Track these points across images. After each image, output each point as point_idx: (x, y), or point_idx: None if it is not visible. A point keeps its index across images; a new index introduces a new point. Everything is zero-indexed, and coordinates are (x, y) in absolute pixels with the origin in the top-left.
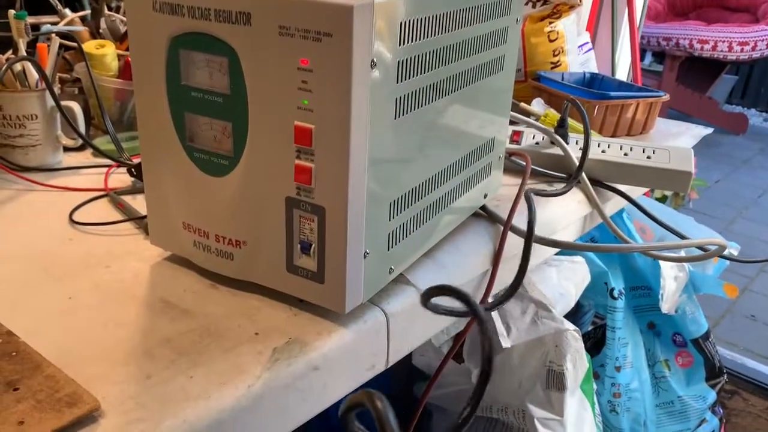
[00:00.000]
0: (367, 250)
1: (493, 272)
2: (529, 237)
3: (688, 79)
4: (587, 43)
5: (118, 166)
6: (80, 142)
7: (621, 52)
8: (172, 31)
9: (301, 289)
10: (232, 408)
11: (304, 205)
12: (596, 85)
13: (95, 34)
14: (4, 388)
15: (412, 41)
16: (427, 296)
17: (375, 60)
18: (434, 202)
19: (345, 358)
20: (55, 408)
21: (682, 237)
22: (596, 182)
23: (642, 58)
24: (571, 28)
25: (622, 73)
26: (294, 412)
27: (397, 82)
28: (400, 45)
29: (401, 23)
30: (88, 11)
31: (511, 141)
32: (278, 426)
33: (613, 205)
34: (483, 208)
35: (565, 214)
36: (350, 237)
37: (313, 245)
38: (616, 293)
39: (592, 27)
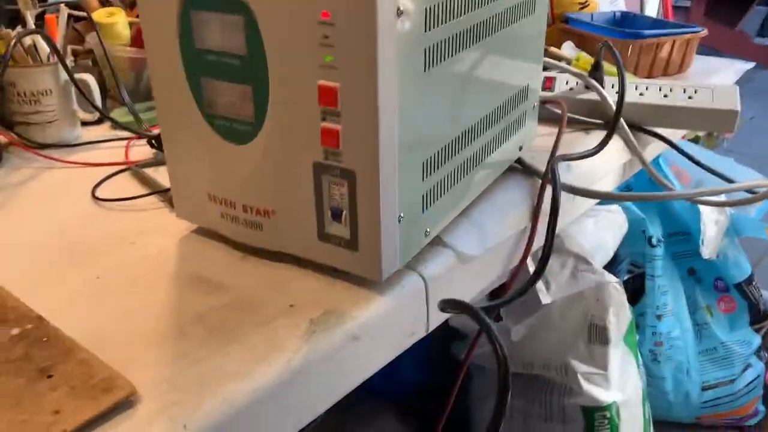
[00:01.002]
0: (402, 214)
1: (533, 229)
2: (553, 220)
3: (717, 13)
4: None
5: (138, 138)
6: (98, 115)
7: None
8: None
9: (335, 258)
10: (271, 384)
11: (333, 169)
12: (628, 24)
13: (104, 1)
14: (38, 375)
15: None
16: (443, 306)
17: (401, 7)
18: (469, 157)
19: (384, 326)
20: (90, 395)
21: (729, 180)
22: (634, 127)
23: None
24: None
25: (652, 10)
26: (335, 385)
27: (425, 31)
28: None
29: None
30: None
31: (544, 88)
32: (319, 400)
33: (652, 150)
34: (519, 161)
35: (603, 163)
36: (383, 201)
37: (345, 212)
38: (654, 241)
39: None
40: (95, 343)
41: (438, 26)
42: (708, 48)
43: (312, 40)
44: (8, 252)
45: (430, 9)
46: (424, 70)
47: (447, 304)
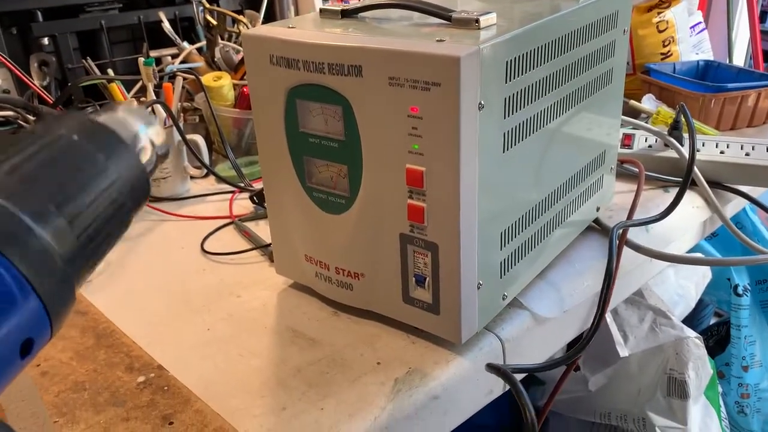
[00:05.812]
0: (480, 281)
1: (608, 294)
2: (604, 304)
3: None
4: (700, 23)
5: (240, 192)
6: (205, 171)
7: (738, 30)
8: (289, 83)
9: (418, 319)
10: None
11: (418, 241)
12: (711, 74)
13: (211, 63)
14: (162, 422)
15: (518, 76)
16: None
17: (482, 102)
18: (546, 224)
19: (463, 385)
20: None
21: None
22: (716, 184)
23: (763, 20)
24: (682, 14)
25: (741, 51)
26: None
27: (505, 118)
28: (506, 82)
29: (507, 62)
30: (203, 42)
31: (623, 145)
32: None
33: (734, 206)
34: (596, 220)
35: (682, 220)
36: (463, 271)
37: (428, 278)
38: (740, 290)
39: (705, 4)
40: (207, 392)
41: (516, 112)
42: None
43: (402, 130)
44: (131, 299)
45: (508, 98)
46: (503, 152)
47: (488, 367)
